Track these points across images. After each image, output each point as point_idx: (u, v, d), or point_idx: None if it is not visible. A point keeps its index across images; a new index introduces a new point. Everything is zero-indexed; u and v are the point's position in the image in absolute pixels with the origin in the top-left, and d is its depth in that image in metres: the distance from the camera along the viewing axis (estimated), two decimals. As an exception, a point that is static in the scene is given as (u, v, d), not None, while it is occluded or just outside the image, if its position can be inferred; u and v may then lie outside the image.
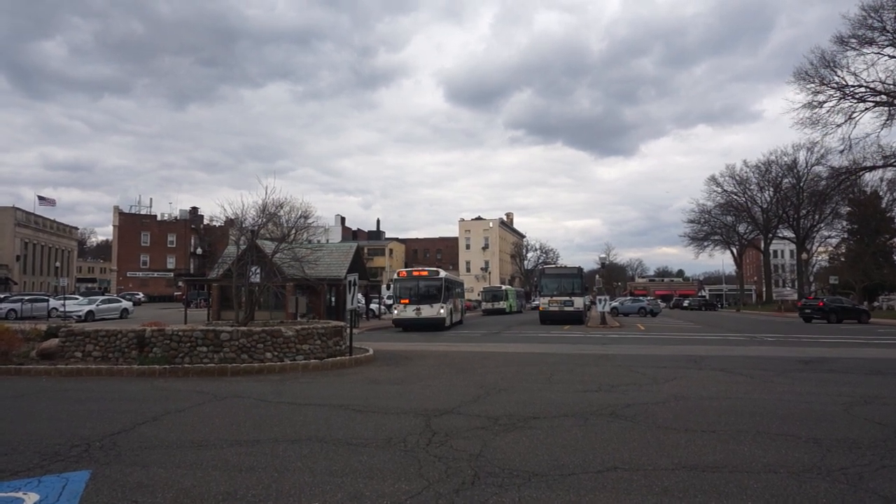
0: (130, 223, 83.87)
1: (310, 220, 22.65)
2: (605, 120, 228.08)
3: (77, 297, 43.51)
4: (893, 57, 41.57)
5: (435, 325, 27.96)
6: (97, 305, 36.03)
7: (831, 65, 43.45)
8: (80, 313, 33.69)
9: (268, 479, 4.66)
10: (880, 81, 42.45)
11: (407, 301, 28.60)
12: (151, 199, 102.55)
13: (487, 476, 4.74)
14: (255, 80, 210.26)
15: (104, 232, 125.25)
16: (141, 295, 67.75)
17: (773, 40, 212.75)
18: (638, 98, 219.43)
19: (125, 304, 39.75)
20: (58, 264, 74.51)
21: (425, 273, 30.31)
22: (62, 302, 35.46)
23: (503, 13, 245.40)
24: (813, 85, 44.48)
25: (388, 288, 37.10)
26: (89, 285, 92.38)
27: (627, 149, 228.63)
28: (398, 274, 31.13)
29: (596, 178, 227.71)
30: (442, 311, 28.14)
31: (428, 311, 28.01)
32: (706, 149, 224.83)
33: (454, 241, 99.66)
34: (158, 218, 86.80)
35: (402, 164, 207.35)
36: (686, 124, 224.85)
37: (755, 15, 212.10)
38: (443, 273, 30.29)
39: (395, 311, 29.01)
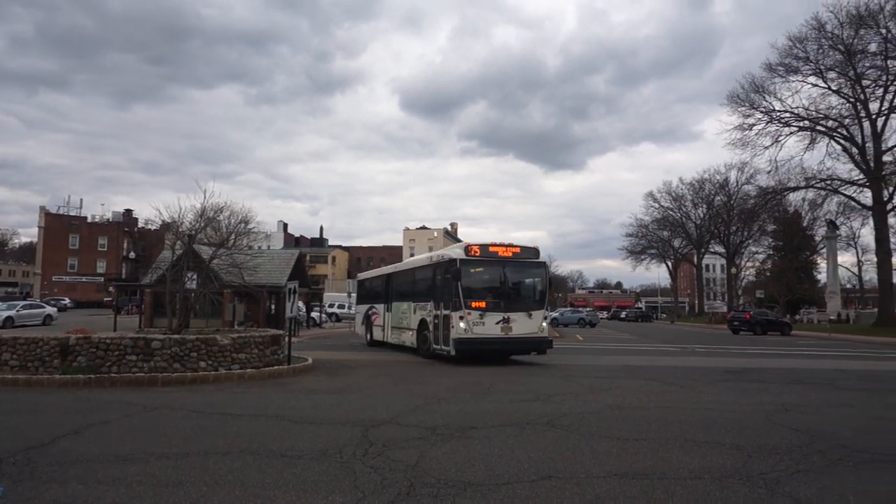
0: (58, 224, 79.58)
1: (250, 226, 22.18)
2: (557, 134, 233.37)
3: (-5, 301, 40.91)
4: (816, 85, 44.54)
5: (537, 349, 16.08)
6: (17, 311, 33.96)
7: (761, 90, 46.26)
8: (-2, 319, 31.70)
9: (196, 494, 4.50)
10: (804, 108, 45.44)
11: (483, 304, 15.13)
12: (82, 199, 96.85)
13: (423, 486, 4.73)
14: (206, 81, 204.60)
15: (29, 233, 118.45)
16: (67, 300, 64.51)
17: (717, 65, 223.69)
18: (588, 114, 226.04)
19: (49, 309, 37.70)
20: (-25, 267, 69.97)
21: (516, 251, 16.15)
22: (-22, 307, 33.28)
23: (462, 25, 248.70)
24: (744, 108, 47.26)
25: (353, 288, 26.21)
26: (9, 290, 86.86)
27: (576, 163, 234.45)
28: (470, 250, 15.64)
29: (545, 191, 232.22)
30: (545, 325, 16.10)
31: (524, 324, 15.44)
32: (650, 165, 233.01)
33: (399, 249, 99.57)
34: (89, 220, 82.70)
35: (353, 171, 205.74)
36: (631, 141, 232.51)
37: (703, 40, 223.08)
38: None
39: (462, 324, 14.77)
